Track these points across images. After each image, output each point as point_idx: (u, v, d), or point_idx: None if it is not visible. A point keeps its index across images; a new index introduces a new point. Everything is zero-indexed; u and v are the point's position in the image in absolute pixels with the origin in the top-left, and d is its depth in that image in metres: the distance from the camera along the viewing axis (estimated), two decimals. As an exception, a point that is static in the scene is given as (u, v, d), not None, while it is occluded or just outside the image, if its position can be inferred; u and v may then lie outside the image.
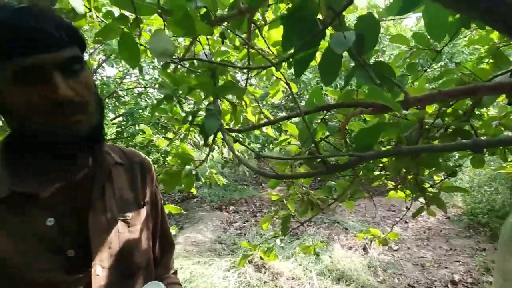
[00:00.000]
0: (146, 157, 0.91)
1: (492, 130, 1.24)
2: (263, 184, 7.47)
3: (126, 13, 0.80)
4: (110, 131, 4.50)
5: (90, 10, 0.92)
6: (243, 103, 1.50)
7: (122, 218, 0.76)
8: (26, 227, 0.63)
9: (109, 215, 0.73)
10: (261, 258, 1.83)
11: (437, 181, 1.49)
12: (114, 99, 4.60)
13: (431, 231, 4.97)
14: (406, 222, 5.50)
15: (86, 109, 0.64)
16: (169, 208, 1.46)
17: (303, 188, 1.59)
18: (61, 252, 0.66)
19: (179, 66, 1.30)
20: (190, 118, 0.90)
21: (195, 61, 1.12)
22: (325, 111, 1.22)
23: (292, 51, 0.76)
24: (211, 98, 0.98)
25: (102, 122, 0.69)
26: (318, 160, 1.24)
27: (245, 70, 1.41)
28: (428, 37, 1.09)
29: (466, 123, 1.21)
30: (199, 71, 1.07)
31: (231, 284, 3.18)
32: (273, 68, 1.49)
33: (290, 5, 1.01)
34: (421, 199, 1.54)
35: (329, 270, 3.59)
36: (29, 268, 0.63)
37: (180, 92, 1.13)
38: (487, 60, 1.21)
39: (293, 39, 0.72)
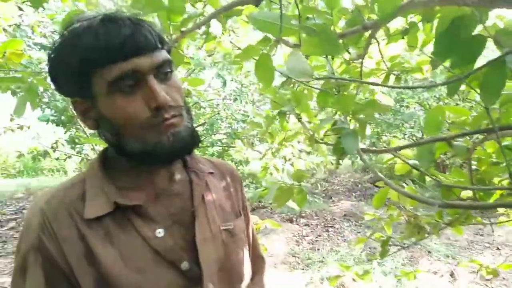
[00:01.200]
0: (233, 166, 0.89)
1: None
2: (332, 198, 7.28)
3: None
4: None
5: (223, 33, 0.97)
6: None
7: (226, 227, 0.73)
8: (136, 241, 0.61)
9: (213, 224, 0.70)
10: (354, 281, 1.75)
11: None
12: (195, 109, 4.84)
13: (531, 262, 4.39)
14: (498, 249, 4.94)
15: (180, 113, 0.62)
16: (270, 223, 1.46)
17: (410, 210, 1.49)
18: (175, 264, 0.63)
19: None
20: (310, 133, 0.89)
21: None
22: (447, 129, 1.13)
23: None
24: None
25: (193, 126, 0.66)
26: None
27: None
28: None
29: None
30: (319, 88, 1.06)
31: (310, 301, 3.11)
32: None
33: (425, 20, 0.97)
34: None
35: (413, 295, 3.34)
36: (143, 285, 0.60)
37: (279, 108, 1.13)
38: None
39: (450, 55, 0.67)
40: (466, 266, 1.77)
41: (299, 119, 1.01)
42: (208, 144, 4.74)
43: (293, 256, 4.35)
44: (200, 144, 0.69)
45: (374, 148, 1.33)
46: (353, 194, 7.48)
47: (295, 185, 1.14)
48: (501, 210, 1.68)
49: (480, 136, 1.13)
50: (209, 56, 3.84)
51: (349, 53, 1.25)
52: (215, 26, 0.88)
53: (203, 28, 1.08)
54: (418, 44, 1.09)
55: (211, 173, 0.79)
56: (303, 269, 3.97)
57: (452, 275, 3.85)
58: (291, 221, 5.74)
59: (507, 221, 1.60)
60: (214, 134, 5.03)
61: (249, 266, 0.80)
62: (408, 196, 0.60)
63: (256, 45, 0.81)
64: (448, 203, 0.71)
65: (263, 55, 0.82)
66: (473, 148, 1.05)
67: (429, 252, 4.46)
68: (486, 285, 3.78)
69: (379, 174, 0.70)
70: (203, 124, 4.75)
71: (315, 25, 0.74)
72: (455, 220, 1.39)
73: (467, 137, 1.01)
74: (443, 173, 1.42)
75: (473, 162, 1.24)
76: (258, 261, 0.92)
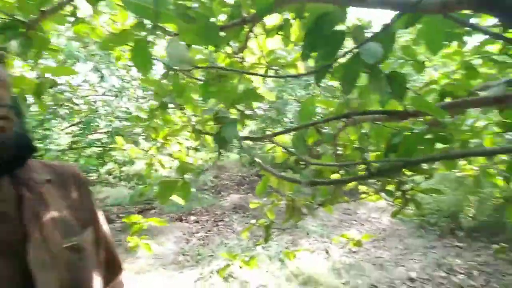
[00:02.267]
0: (79, 168, 0.79)
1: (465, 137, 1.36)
2: (222, 193, 7.42)
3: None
4: (63, 141, 4.23)
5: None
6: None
7: (69, 244, 0.64)
8: None
9: (52, 244, 0.61)
10: (240, 268, 1.82)
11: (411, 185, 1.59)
12: (66, 107, 4.34)
13: (385, 232, 5.25)
14: (361, 225, 5.77)
15: (6, 115, 0.53)
16: (154, 221, 1.40)
17: (289, 195, 1.61)
18: None
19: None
20: (193, 124, 0.88)
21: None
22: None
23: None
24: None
25: (26, 130, 0.57)
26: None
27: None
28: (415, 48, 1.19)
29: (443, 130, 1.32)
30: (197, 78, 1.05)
31: (201, 296, 3.11)
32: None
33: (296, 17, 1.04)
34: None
35: (295, 275, 3.65)
36: None
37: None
38: (459, 72, 1.34)
39: (317, 48, 0.74)
40: (338, 242, 2.00)
41: (182, 111, 0.99)
42: (85, 145, 4.31)
43: (183, 254, 4.30)
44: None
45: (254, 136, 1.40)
46: (241, 187, 7.75)
47: (178, 178, 1.12)
48: (363, 189, 1.95)
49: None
50: (84, 48, 3.47)
51: (230, 46, 1.28)
52: (84, 8, 0.79)
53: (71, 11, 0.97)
54: (291, 40, 1.18)
55: (49, 180, 0.68)
56: (192, 266, 3.95)
57: (327, 252, 4.34)
58: (180, 220, 5.65)
59: (365, 197, 1.87)
60: (92, 134, 4.60)
61: (100, 279, 0.71)
62: (280, 177, 0.65)
63: (130, 29, 0.76)
64: (313, 180, 0.79)
65: (139, 41, 0.78)
66: (337, 134, 1.19)
67: (307, 234, 4.94)
68: (353, 256, 4.37)
69: (257, 160, 0.73)
70: (78, 123, 4.29)
71: (194, 13, 0.73)
72: (326, 200, 1.57)
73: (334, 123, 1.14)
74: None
75: (339, 148, 1.42)
76: (115, 270, 0.85)
